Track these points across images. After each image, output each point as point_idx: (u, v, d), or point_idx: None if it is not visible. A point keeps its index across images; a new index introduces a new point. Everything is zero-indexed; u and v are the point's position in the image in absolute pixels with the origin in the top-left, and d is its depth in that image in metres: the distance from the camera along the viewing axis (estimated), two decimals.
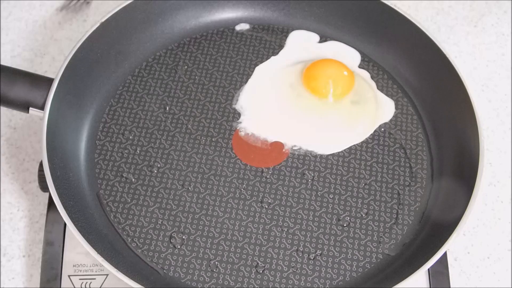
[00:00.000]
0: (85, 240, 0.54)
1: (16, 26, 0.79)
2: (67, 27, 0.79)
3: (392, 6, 0.67)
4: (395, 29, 0.68)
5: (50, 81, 0.60)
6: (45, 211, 0.63)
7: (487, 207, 0.69)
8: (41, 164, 0.61)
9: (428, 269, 0.58)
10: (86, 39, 0.63)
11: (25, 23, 0.80)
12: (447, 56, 0.65)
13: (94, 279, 0.60)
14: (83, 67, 0.63)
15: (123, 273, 0.53)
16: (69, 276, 0.60)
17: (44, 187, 0.62)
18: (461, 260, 0.66)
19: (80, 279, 0.60)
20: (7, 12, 0.80)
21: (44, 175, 0.57)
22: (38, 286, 0.61)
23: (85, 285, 0.59)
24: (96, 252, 0.53)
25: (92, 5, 0.81)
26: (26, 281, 0.64)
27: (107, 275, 0.60)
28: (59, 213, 0.55)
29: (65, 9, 0.80)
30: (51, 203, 0.62)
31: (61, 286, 0.59)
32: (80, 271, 0.60)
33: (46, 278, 0.59)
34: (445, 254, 0.60)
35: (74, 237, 0.57)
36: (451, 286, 0.60)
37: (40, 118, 0.59)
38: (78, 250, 0.60)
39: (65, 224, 0.61)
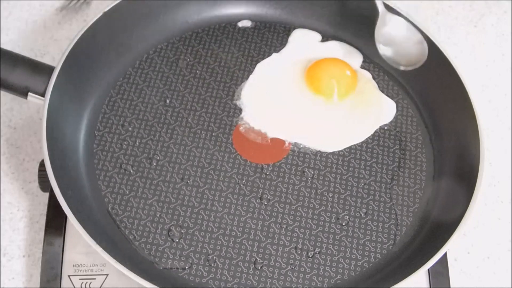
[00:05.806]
0: (84, 231, 0.53)
1: (16, 26, 0.79)
2: (67, 27, 0.79)
3: (392, 6, 0.67)
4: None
5: (51, 68, 0.60)
6: (45, 211, 0.62)
7: (487, 207, 0.69)
8: (41, 164, 0.61)
9: (428, 269, 0.58)
10: (88, 29, 0.63)
11: (25, 23, 0.79)
12: (447, 56, 0.65)
13: (94, 279, 0.59)
14: (84, 56, 0.63)
15: (122, 264, 0.52)
16: (69, 276, 0.59)
17: (44, 187, 0.62)
18: (461, 260, 0.66)
19: (80, 279, 0.59)
20: (7, 12, 0.80)
21: (44, 175, 0.56)
22: (38, 286, 0.60)
23: (85, 285, 0.59)
24: (95, 243, 0.53)
25: (92, 5, 0.81)
26: (26, 281, 0.63)
27: (107, 275, 0.59)
28: (59, 212, 0.54)
29: (65, 9, 0.80)
30: (51, 203, 0.61)
31: (61, 286, 0.58)
32: (80, 271, 0.59)
33: (46, 278, 0.59)
34: (445, 254, 0.60)
35: (74, 236, 0.57)
36: (451, 286, 0.60)
37: (39, 106, 0.59)
38: (78, 250, 0.60)
39: (65, 224, 0.60)
